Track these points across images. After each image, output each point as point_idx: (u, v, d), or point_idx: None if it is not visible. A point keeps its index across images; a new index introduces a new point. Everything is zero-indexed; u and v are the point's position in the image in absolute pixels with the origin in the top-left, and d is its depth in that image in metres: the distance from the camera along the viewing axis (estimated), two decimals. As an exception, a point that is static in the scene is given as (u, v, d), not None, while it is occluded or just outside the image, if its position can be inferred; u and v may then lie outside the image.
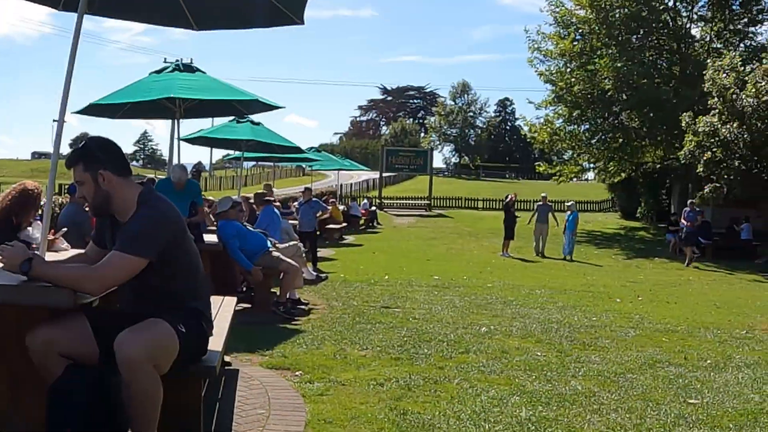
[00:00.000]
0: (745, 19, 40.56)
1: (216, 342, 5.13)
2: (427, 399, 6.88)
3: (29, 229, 7.46)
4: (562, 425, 6.26)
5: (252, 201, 17.23)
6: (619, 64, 37.80)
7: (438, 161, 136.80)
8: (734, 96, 28.32)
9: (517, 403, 6.88)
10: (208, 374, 4.97)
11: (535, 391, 7.35)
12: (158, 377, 4.33)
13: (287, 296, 11.85)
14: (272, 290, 12.15)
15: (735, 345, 10.76)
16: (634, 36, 39.96)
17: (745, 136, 27.90)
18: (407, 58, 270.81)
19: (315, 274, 16.38)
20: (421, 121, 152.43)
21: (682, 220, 28.97)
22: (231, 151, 27.16)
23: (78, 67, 5.86)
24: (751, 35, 41.05)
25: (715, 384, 8.07)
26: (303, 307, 12.20)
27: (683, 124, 31.29)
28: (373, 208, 44.65)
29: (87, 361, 4.43)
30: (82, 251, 5.23)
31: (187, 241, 4.81)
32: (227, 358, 7.42)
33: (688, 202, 30.04)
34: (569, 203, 31.38)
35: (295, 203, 26.39)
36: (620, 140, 40.21)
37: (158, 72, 13.54)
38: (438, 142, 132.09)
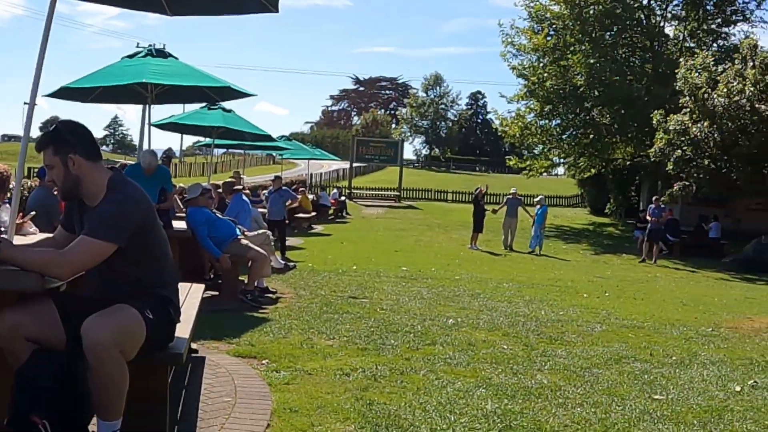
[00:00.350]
0: (719, 20, 40.84)
1: (183, 329, 5.11)
2: (394, 390, 6.89)
3: (-3, 212, 7.42)
4: (528, 418, 6.28)
5: (220, 189, 17.20)
6: (591, 61, 38.00)
7: (408, 153, 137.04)
8: (706, 95, 28.45)
9: (483, 395, 6.90)
10: (175, 361, 4.95)
11: (501, 384, 7.37)
12: (124, 363, 4.31)
13: (255, 284, 11.85)
14: (240, 278, 12.13)
15: (701, 342, 10.83)
16: (608, 33, 40.14)
17: (716, 135, 28.05)
18: (380, 49, 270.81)
19: (283, 262, 16.35)
20: (392, 112, 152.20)
21: (647, 217, 29.08)
22: (201, 138, 27.02)
23: (50, 50, 5.83)
24: (724, 35, 41.34)
25: (680, 380, 8.13)
26: (270, 295, 12.22)
27: (654, 122, 31.41)
28: (343, 198, 44.72)
29: (54, 346, 4.41)
30: (51, 235, 5.20)
31: (156, 227, 4.79)
32: (194, 346, 7.41)
33: (653, 198, 30.13)
34: (538, 197, 31.48)
35: (265, 191, 26.31)
36: (591, 136, 40.34)
37: (130, 57, 13.51)
38: (409, 134, 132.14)
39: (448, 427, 5.94)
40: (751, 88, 27.43)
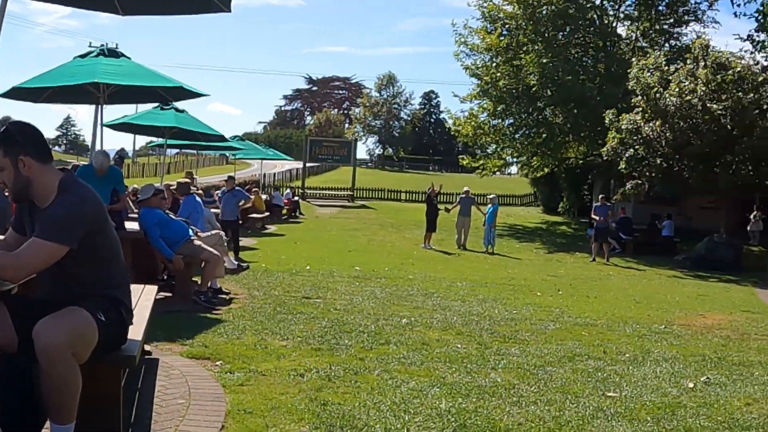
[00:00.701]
0: (671, 20, 41.25)
1: (136, 331, 5.10)
2: (348, 390, 6.89)
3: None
4: (482, 417, 6.30)
5: (174, 188, 17.13)
6: (544, 60, 38.23)
7: (362, 152, 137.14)
8: (658, 95, 28.75)
9: (437, 394, 6.91)
10: (128, 363, 4.94)
11: (455, 382, 7.39)
12: (77, 366, 4.29)
13: (208, 285, 11.80)
14: (193, 279, 12.08)
15: (653, 339, 10.92)
16: (561, 33, 40.32)
17: (668, 134, 28.34)
18: (334, 49, 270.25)
19: (236, 263, 16.31)
20: (345, 111, 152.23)
21: (593, 215, 29.23)
22: (154, 138, 26.91)
23: (1, 49, 5.79)
24: (676, 35, 41.79)
25: (634, 377, 8.18)
26: (224, 296, 12.16)
27: (606, 121, 31.68)
28: (296, 198, 44.59)
29: (5, 348, 4.37)
30: (2, 237, 5.16)
31: (108, 228, 4.76)
32: (147, 347, 7.36)
33: (600, 197, 30.35)
34: (490, 196, 31.68)
35: (218, 192, 26.25)
36: (544, 135, 40.54)
37: (82, 56, 13.46)
38: (362, 134, 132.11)
39: (402, 427, 5.94)
40: (703, 88, 27.75)
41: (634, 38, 42.00)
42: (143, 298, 6.48)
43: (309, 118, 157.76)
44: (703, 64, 28.74)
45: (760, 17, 30.13)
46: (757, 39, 30.75)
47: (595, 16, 40.94)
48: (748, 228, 35.62)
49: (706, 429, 6.39)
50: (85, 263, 4.59)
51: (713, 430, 6.39)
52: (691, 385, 8.01)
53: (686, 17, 41.07)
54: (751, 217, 35.83)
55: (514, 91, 40.05)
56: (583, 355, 9.32)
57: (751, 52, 30.94)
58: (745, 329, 12.58)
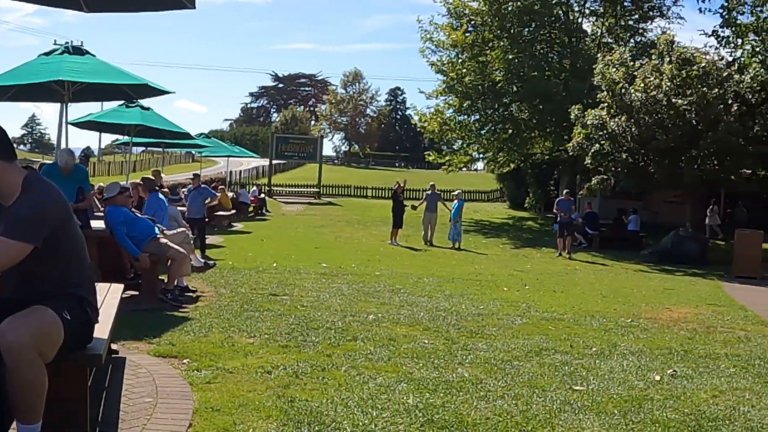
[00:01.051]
0: (636, 15, 41.67)
1: (102, 329, 5.07)
2: (315, 386, 6.89)
3: None
4: (450, 412, 6.32)
5: (141, 184, 17.07)
6: (510, 57, 38.42)
7: (328, 149, 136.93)
8: (623, 90, 28.94)
9: (405, 390, 6.92)
10: (94, 362, 4.90)
11: (423, 378, 7.40)
12: (43, 365, 4.26)
13: (175, 283, 11.74)
14: (160, 277, 12.03)
15: (620, 333, 10.97)
16: (526, 29, 40.51)
17: (633, 129, 28.50)
18: (300, 46, 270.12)
19: (203, 261, 16.25)
20: (311, 108, 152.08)
21: (555, 210, 29.23)
22: (120, 136, 26.77)
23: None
24: (641, 31, 42.16)
25: (601, 371, 8.22)
26: (191, 294, 12.12)
27: (572, 117, 31.86)
28: (263, 195, 44.40)
29: (-31, 348, 4.35)
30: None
31: (72, 226, 4.73)
32: (114, 346, 7.32)
33: (564, 192, 30.47)
34: (456, 192, 31.73)
35: (184, 190, 26.12)
36: (510, 131, 40.74)
37: (47, 54, 13.36)
38: (328, 131, 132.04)
39: (370, 422, 5.95)
40: (668, 83, 27.96)
41: (599, 34, 42.28)
42: (109, 296, 6.44)
43: (275, 115, 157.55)
44: (668, 59, 28.99)
45: (724, 13, 30.37)
46: (722, 35, 31.00)
47: (560, 12, 41.16)
48: (706, 222, 35.78)
49: (673, 421, 6.44)
50: (49, 261, 4.56)
51: (680, 422, 6.43)
52: (657, 378, 8.06)
53: (651, 13, 41.44)
54: (708, 211, 36.00)
55: (479, 87, 40.22)
56: (550, 349, 9.36)
57: (716, 48, 31.23)
58: (711, 322, 12.66)
